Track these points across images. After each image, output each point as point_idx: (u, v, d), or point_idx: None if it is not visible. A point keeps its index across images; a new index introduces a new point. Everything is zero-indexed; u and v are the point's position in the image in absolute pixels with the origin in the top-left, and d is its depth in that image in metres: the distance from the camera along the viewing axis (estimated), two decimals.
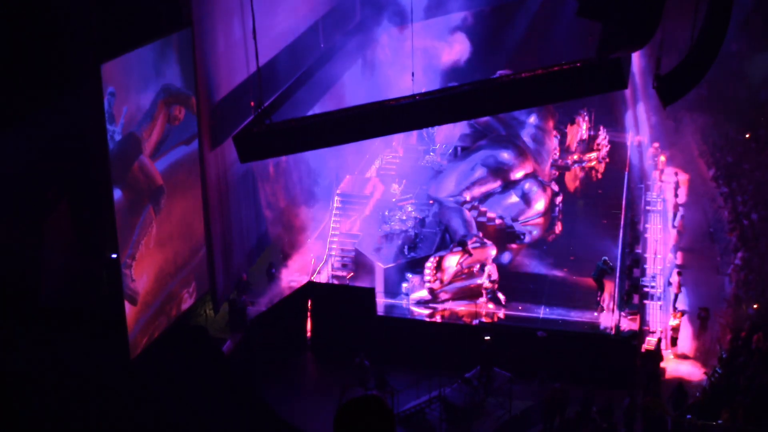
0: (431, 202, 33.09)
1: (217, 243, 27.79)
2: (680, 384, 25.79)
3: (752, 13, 40.54)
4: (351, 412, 5.72)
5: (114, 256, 22.59)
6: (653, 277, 31.27)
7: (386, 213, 31.90)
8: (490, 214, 32.72)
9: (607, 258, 29.65)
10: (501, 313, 28.78)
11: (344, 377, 26.15)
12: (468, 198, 32.97)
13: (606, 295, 28.89)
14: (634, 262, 31.60)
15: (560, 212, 34.38)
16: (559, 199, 34.54)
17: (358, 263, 31.25)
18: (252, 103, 22.03)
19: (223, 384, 25.19)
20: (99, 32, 21.33)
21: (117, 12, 21.96)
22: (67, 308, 22.47)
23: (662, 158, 39.88)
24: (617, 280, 29.64)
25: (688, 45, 17.27)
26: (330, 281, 31.00)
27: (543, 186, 34.29)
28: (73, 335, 22.34)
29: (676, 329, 28.85)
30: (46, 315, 21.96)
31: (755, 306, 28.32)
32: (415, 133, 37.64)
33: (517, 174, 34.09)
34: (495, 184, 33.75)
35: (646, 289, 30.46)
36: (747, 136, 39.33)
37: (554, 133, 37.92)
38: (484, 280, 29.17)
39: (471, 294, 29.29)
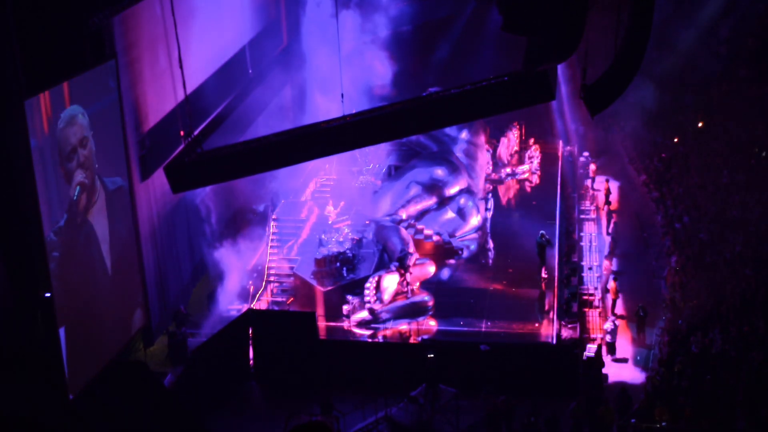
0: (367, 222, 33.05)
1: (151, 276, 27.40)
2: (623, 389, 26.02)
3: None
4: None
5: (47, 295, 22.14)
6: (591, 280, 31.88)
7: (323, 236, 31.79)
8: (427, 231, 32.78)
9: (543, 232, 31.00)
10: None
11: (289, 404, 25.93)
12: (404, 216, 32.99)
13: (546, 269, 30.60)
14: (572, 271, 31.93)
15: (496, 226, 34.64)
16: (489, 214, 34.77)
17: (298, 288, 31.08)
18: (182, 132, 21.78)
19: (167, 418, 24.78)
20: (22, 68, 20.97)
21: (39, 47, 21.62)
22: (2, 349, 21.94)
23: (593, 167, 40.43)
24: (556, 290, 29.95)
25: (612, 54, 17.52)
26: (270, 307, 30.76)
27: (477, 201, 34.53)
28: (9, 377, 21.81)
29: (613, 333, 29.12)
30: None
31: (691, 306, 28.77)
32: (348, 154, 37.63)
33: (452, 190, 34.21)
34: (430, 201, 33.82)
35: (584, 297, 30.79)
36: (675, 140, 40.08)
37: (487, 147, 38.20)
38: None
39: (412, 312, 29.28)
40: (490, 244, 33.85)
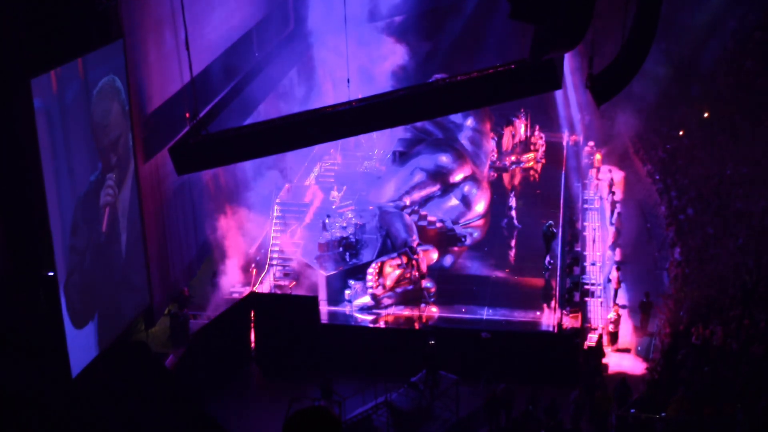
0: (371, 207, 33.06)
1: (153, 257, 27.42)
2: (623, 379, 26.04)
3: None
4: (298, 423, 5.66)
5: (51, 273, 22.16)
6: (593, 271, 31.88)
7: (327, 220, 31.82)
8: (431, 218, 32.79)
9: (552, 222, 31.29)
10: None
11: (289, 388, 25.97)
12: (408, 202, 33.00)
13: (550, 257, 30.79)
14: (574, 260, 31.93)
15: (499, 216, 34.62)
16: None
17: (300, 272, 31.12)
18: (187, 114, 21.77)
19: (167, 399, 24.86)
20: (28, 47, 20.95)
21: (46, 26, 21.58)
22: (5, 328, 21.99)
23: (598, 156, 40.36)
24: (558, 278, 29.98)
25: (619, 44, 17.48)
26: (272, 291, 30.80)
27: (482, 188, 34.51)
28: (12, 356, 21.88)
29: (615, 323, 29.10)
30: None
31: (693, 298, 28.74)
32: (353, 139, 37.63)
33: (456, 177, 34.20)
34: (434, 188, 33.82)
35: (586, 287, 30.80)
36: (681, 133, 39.98)
37: (491, 135, 38.16)
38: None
39: (414, 298, 29.31)
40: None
